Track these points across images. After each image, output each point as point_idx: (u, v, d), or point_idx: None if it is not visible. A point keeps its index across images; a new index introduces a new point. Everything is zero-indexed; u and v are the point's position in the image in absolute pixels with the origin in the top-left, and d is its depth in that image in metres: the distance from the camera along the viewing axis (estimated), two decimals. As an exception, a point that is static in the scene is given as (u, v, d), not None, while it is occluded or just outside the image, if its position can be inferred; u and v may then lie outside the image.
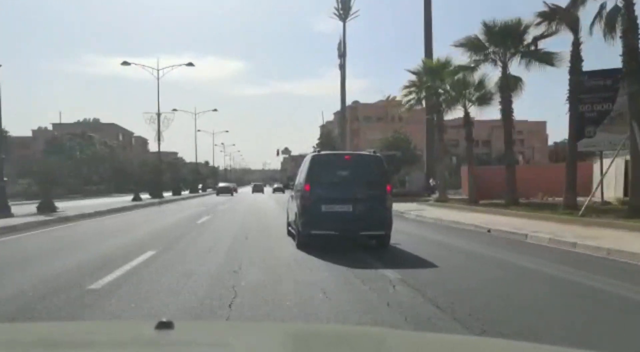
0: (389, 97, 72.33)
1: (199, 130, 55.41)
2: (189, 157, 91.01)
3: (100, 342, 1.51)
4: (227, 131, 51.95)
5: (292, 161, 60.62)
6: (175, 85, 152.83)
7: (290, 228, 9.93)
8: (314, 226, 7.84)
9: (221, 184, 50.49)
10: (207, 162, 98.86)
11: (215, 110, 49.99)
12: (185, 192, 45.57)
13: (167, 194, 35.85)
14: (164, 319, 1.41)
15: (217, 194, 44.30)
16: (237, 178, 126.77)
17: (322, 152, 8.79)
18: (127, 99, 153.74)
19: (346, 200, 7.90)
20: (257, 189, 55.69)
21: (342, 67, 34.98)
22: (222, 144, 78.61)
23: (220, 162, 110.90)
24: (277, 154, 46.94)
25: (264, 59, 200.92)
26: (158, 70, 31.07)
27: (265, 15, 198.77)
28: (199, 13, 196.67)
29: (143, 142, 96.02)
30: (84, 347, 1.46)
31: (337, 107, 78.12)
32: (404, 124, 69.69)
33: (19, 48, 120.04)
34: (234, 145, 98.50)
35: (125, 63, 28.96)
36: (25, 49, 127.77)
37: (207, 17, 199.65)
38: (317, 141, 46.17)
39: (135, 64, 29.64)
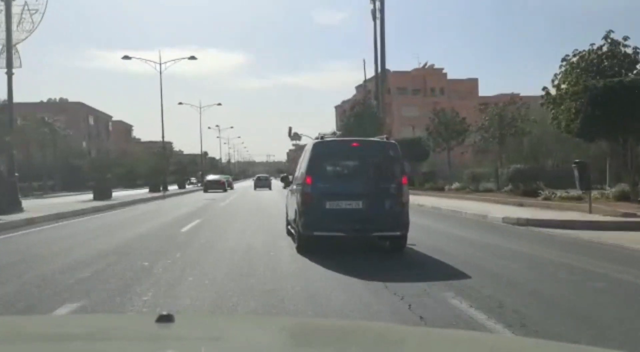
0: (425, 64, 72.11)
1: (180, 103, 54.89)
2: (188, 151, 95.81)
3: (101, 335, 1.83)
4: (218, 104, 52.17)
5: (300, 151, 59.96)
6: (177, 78, 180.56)
7: (289, 227, 10.52)
8: (316, 226, 8.31)
9: (210, 177, 46.75)
10: (205, 153, 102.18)
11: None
12: (139, 192, 37.36)
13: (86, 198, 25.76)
14: (165, 312, 1.73)
15: (205, 190, 42.07)
16: (241, 171, 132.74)
17: (326, 139, 9.29)
18: (128, 93, 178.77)
19: (355, 195, 8.36)
20: (262, 184, 49.65)
21: (378, 14, 31.48)
22: (217, 126, 79.84)
23: (224, 153, 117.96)
24: (289, 133, 45.45)
25: (265, 52, 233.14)
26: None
27: (266, 8, 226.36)
28: (200, 6, 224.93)
29: (125, 129, 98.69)
30: (85, 341, 1.76)
31: (341, 99, 79.79)
32: (446, 97, 69.60)
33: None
34: (231, 127, 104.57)
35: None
36: (26, 43, 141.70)
37: (208, 10, 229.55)
38: (350, 111, 44.23)
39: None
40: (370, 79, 53.00)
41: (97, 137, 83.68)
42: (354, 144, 9.04)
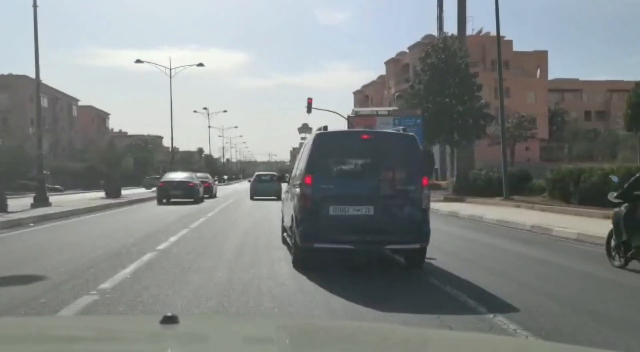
0: (480, 31, 72.21)
1: (138, 61, 52.67)
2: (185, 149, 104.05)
3: (105, 337, 2.30)
4: (199, 64, 52.43)
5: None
6: (178, 77, 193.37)
7: (285, 235, 11.22)
8: (317, 236, 8.85)
9: (171, 176, 34.10)
10: (201, 149, 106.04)
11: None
12: None
13: None
14: (169, 314, 2.13)
15: (160, 198, 31.55)
16: (240, 169, 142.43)
17: (331, 130, 9.92)
18: (129, 91, 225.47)
19: (365, 199, 8.95)
20: (264, 189, 35.84)
21: None
22: (205, 108, 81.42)
23: (219, 149, 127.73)
24: (309, 109, 42.46)
25: (267, 51, 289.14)
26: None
27: (269, 7, 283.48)
28: (202, 4, 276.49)
29: (98, 117, 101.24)
30: (89, 342, 2.21)
31: (344, 98, 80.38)
32: (511, 73, 69.52)
33: (21, 39, 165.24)
34: (224, 111, 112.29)
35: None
36: (27, 41, 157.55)
37: (210, 9, 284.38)
38: (423, 62, 36.91)
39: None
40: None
41: (54, 123, 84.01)
42: (365, 136, 9.62)
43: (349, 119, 49.90)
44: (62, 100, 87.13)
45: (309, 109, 41.02)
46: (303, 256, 9.15)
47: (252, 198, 34.84)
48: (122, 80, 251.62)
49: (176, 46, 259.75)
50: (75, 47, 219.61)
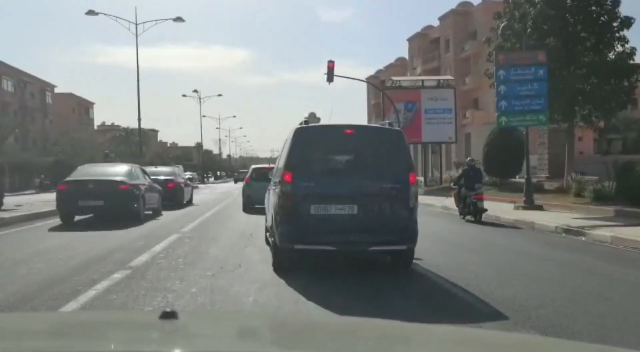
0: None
1: (91, 14, 49.29)
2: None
3: (104, 332, 2.64)
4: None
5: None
6: (180, 75, 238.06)
7: (268, 234, 12.21)
8: (298, 237, 9.75)
9: (87, 172, 21.46)
10: (199, 145, 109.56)
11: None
12: None
13: None
14: (168, 309, 2.44)
15: (68, 216, 19.70)
16: (241, 165, 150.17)
17: (312, 124, 10.99)
18: (126, 88, 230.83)
19: (349, 197, 9.90)
20: (262, 191, 17.52)
21: None
22: (195, 91, 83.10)
23: (214, 141, 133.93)
24: (330, 76, 40.09)
25: (269, 48, 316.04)
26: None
27: (270, 4, 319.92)
28: (203, 1, 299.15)
29: (80, 106, 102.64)
30: (88, 337, 2.53)
31: (347, 96, 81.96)
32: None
33: (22, 38, 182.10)
34: (219, 95, 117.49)
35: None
36: (28, 40, 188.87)
37: (212, 5, 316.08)
38: None
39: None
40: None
41: (20, 111, 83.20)
42: (348, 130, 10.61)
43: (384, 91, 48.44)
44: (33, 86, 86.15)
45: (330, 76, 39.13)
46: (283, 258, 10.12)
47: (245, 209, 25.09)
48: (123, 77, 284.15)
49: (178, 43, 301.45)
50: (76, 45, 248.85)
